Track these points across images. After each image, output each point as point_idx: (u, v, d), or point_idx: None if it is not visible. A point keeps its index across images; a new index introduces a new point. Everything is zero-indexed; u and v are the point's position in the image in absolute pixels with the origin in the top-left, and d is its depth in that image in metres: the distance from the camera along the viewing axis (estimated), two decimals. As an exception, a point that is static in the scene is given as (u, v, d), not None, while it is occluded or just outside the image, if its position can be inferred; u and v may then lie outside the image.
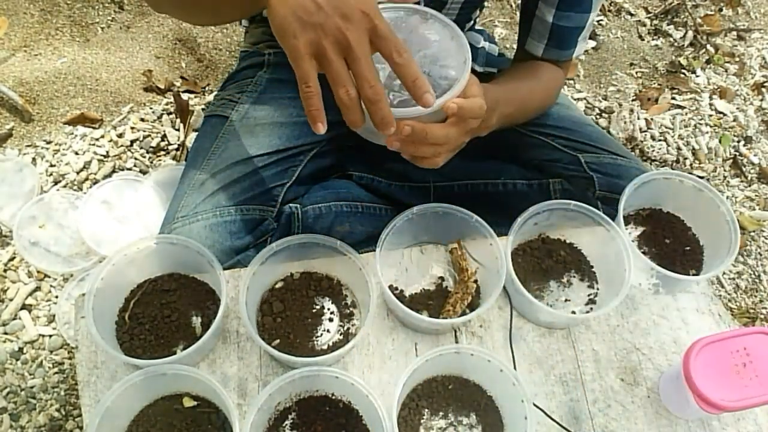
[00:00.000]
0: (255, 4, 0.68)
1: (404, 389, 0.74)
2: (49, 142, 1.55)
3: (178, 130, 1.60)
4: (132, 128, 1.59)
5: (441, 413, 0.77)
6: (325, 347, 0.81)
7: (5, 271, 1.37)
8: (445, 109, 0.68)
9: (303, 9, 0.61)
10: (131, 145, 1.57)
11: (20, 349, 1.28)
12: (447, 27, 0.73)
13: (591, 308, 0.87)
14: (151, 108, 1.63)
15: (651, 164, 1.73)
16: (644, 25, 2.05)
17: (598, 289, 0.88)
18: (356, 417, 0.75)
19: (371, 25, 0.61)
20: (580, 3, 0.93)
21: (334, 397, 0.77)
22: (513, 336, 0.84)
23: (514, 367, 0.81)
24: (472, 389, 0.79)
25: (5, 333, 1.30)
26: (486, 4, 1.10)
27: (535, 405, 0.72)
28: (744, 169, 1.75)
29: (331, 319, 0.83)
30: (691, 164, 1.73)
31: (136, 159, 1.54)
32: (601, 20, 2.03)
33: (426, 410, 0.77)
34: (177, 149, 1.57)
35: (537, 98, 0.99)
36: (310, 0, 0.61)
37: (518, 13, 1.95)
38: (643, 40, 2.01)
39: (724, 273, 1.53)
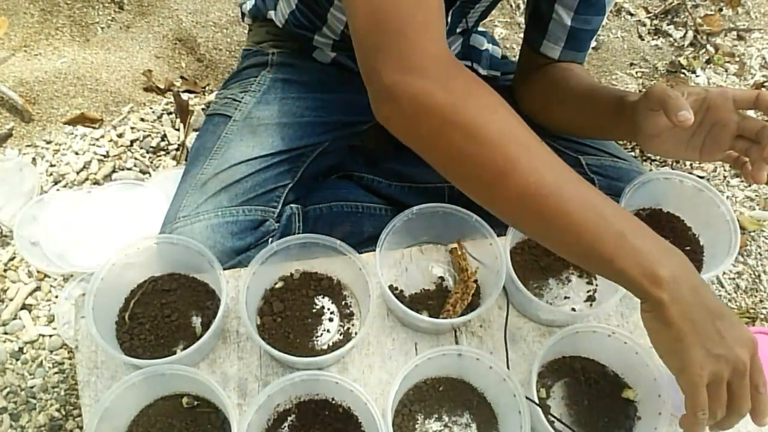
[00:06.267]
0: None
1: (401, 387, 0.74)
2: (49, 142, 1.55)
3: (178, 130, 1.60)
4: (132, 128, 1.59)
5: (435, 416, 0.77)
6: (325, 347, 0.81)
7: (5, 271, 1.37)
8: None
9: (711, 341, 0.62)
10: (131, 145, 1.56)
11: (20, 349, 1.28)
12: None
13: (591, 304, 0.87)
14: (151, 108, 1.63)
15: (651, 164, 1.73)
16: (644, 25, 2.05)
17: (597, 285, 0.88)
18: (355, 423, 0.75)
19: (753, 351, 0.65)
20: (596, 5, 0.93)
21: (334, 402, 0.77)
22: (513, 336, 0.84)
23: (507, 363, 0.81)
24: (464, 389, 0.79)
25: (5, 333, 1.30)
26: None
27: (527, 398, 0.72)
28: (744, 169, 1.74)
29: (331, 319, 0.83)
30: (691, 164, 1.73)
31: (136, 159, 1.54)
32: (601, 20, 2.03)
33: (419, 414, 0.77)
34: (177, 149, 1.57)
35: None
36: (716, 333, 0.63)
37: (523, 15, 1.95)
38: (643, 40, 2.01)
39: (724, 273, 1.53)
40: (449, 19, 0.96)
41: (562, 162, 0.66)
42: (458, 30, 1.04)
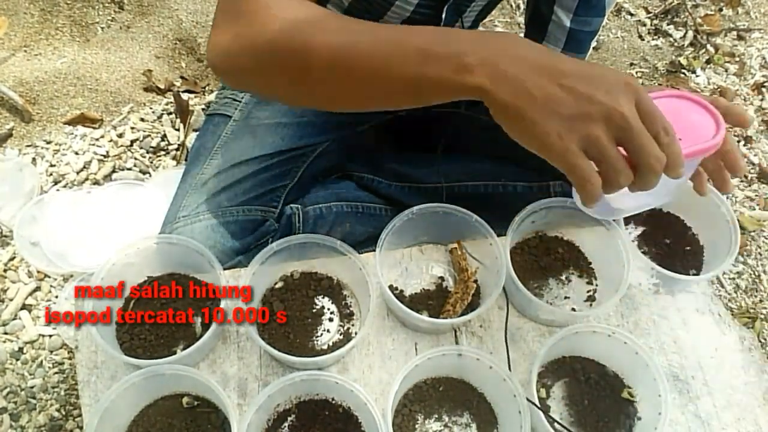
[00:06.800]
0: (465, 92, 0.57)
1: (401, 387, 0.74)
2: (49, 142, 1.55)
3: (178, 130, 1.60)
4: (132, 128, 1.59)
5: (435, 416, 0.77)
6: (325, 347, 0.81)
7: (5, 271, 1.37)
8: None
9: (557, 103, 0.53)
10: (131, 145, 1.57)
11: (20, 349, 1.28)
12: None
13: (591, 305, 0.87)
14: (151, 108, 1.63)
15: (651, 164, 1.72)
16: (644, 25, 2.05)
17: (597, 285, 0.88)
18: (355, 423, 0.75)
19: (637, 96, 0.55)
20: (596, 7, 0.93)
21: (334, 402, 0.76)
22: (512, 335, 0.84)
23: (509, 364, 0.81)
24: (464, 389, 0.79)
25: (5, 333, 1.30)
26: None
27: (528, 400, 0.72)
28: (744, 169, 1.74)
29: (331, 319, 0.83)
30: (691, 164, 1.73)
31: (136, 159, 1.54)
32: (601, 20, 2.03)
33: (419, 414, 0.77)
34: (177, 149, 1.57)
35: None
36: (559, 90, 0.53)
37: (523, 15, 1.95)
38: (643, 40, 2.01)
39: (724, 273, 1.53)
40: (444, 17, 0.96)
41: (358, 21, 0.63)
42: None
